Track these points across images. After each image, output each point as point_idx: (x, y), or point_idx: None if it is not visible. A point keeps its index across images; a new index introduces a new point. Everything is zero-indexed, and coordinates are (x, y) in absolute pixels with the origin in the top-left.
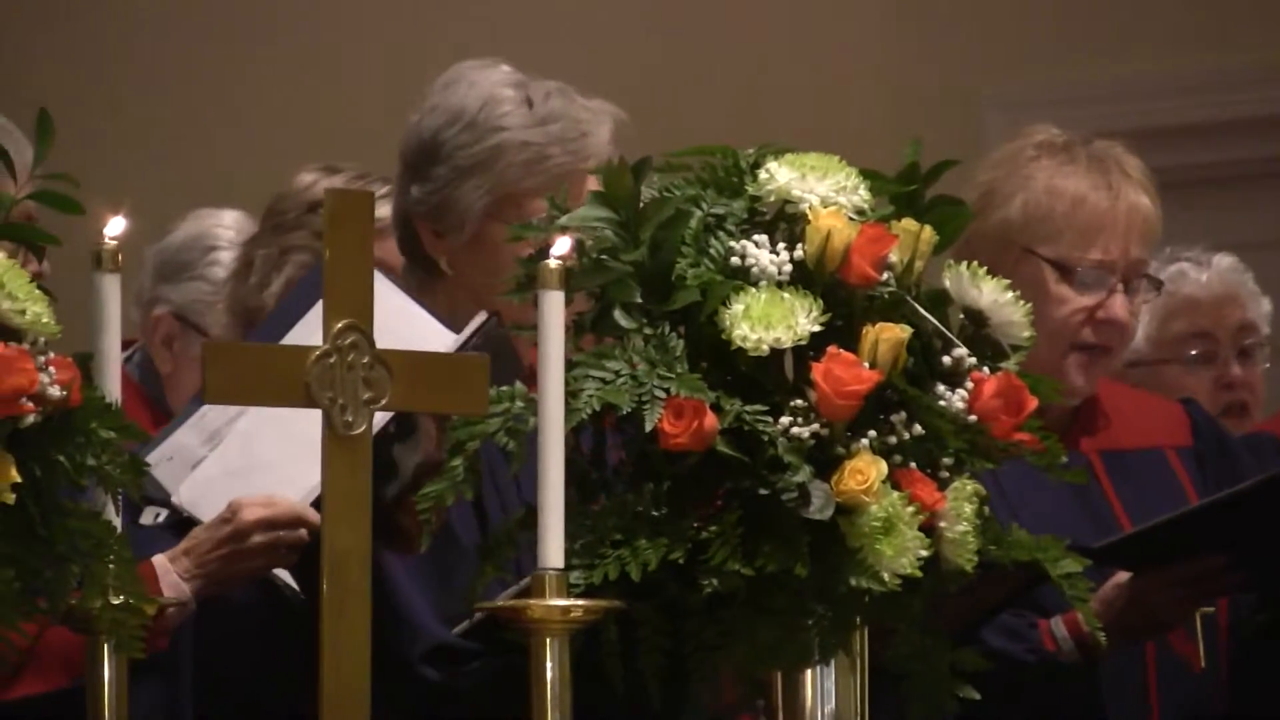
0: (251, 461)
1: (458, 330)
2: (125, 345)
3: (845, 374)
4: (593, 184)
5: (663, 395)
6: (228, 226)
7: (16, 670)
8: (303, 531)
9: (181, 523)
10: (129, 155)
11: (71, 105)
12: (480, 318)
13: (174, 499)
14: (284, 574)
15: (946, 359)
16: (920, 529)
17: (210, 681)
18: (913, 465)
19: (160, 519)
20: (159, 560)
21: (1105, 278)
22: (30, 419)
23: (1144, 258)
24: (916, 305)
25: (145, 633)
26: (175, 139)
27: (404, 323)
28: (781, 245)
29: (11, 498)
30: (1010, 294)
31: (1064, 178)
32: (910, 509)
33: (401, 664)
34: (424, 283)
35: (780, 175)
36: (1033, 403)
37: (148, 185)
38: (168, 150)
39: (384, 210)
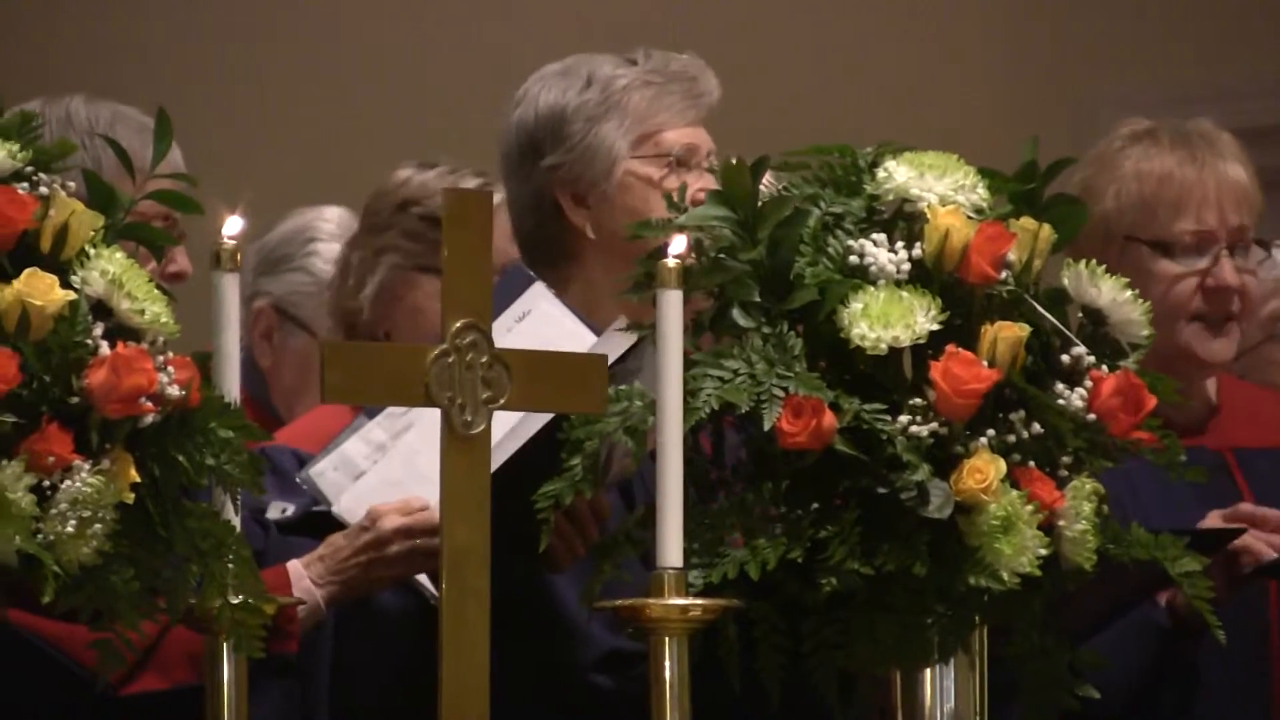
0: (412, 473)
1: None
2: None
3: (964, 372)
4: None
5: (781, 394)
6: (328, 220)
7: (138, 665)
8: (431, 542)
9: (311, 517)
10: (240, 156)
11: (184, 104)
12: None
13: (334, 509)
14: (423, 578)
15: (1065, 357)
16: (1039, 528)
17: (351, 683)
18: (1031, 464)
19: (287, 513)
20: (293, 565)
21: (1207, 246)
22: (149, 418)
23: (1244, 224)
24: (1035, 304)
25: (271, 635)
26: (287, 139)
27: (562, 336)
28: (900, 244)
29: (131, 497)
30: (1129, 292)
31: (1149, 160)
32: (1029, 508)
33: (572, 672)
34: (559, 273)
35: (898, 174)
36: (1152, 401)
37: (256, 187)
38: (277, 151)
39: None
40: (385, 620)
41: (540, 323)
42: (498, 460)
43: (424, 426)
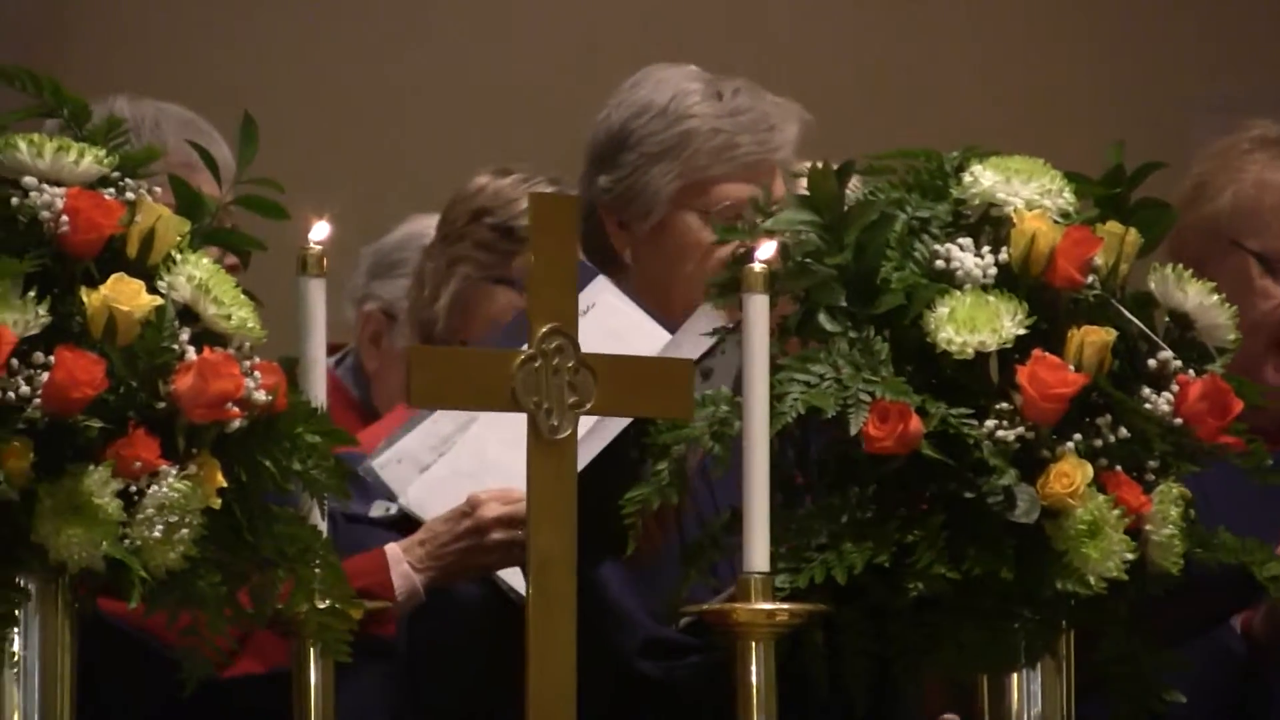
0: (483, 464)
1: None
2: (336, 349)
3: (1050, 377)
4: (779, 176)
5: (868, 399)
6: None
7: (235, 650)
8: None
9: (406, 521)
10: (329, 160)
11: (265, 108)
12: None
13: (401, 500)
14: (510, 577)
15: (1152, 362)
16: (1126, 532)
17: (432, 679)
18: (1118, 468)
19: (392, 511)
20: (391, 549)
21: None
22: (236, 424)
23: None
24: (1121, 308)
25: (368, 617)
26: (369, 143)
27: (628, 327)
28: (986, 248)
29: (218, 502)
30: (1216, 296)
31: (1274, 171)
32: (1116, 512)
33: (617, 658)
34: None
35: (985, 178)
36: (1239, 405)
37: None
38: (362, 155)
39: None
40: (462, 612)
41: (605, 315)
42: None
43: (489, 417)
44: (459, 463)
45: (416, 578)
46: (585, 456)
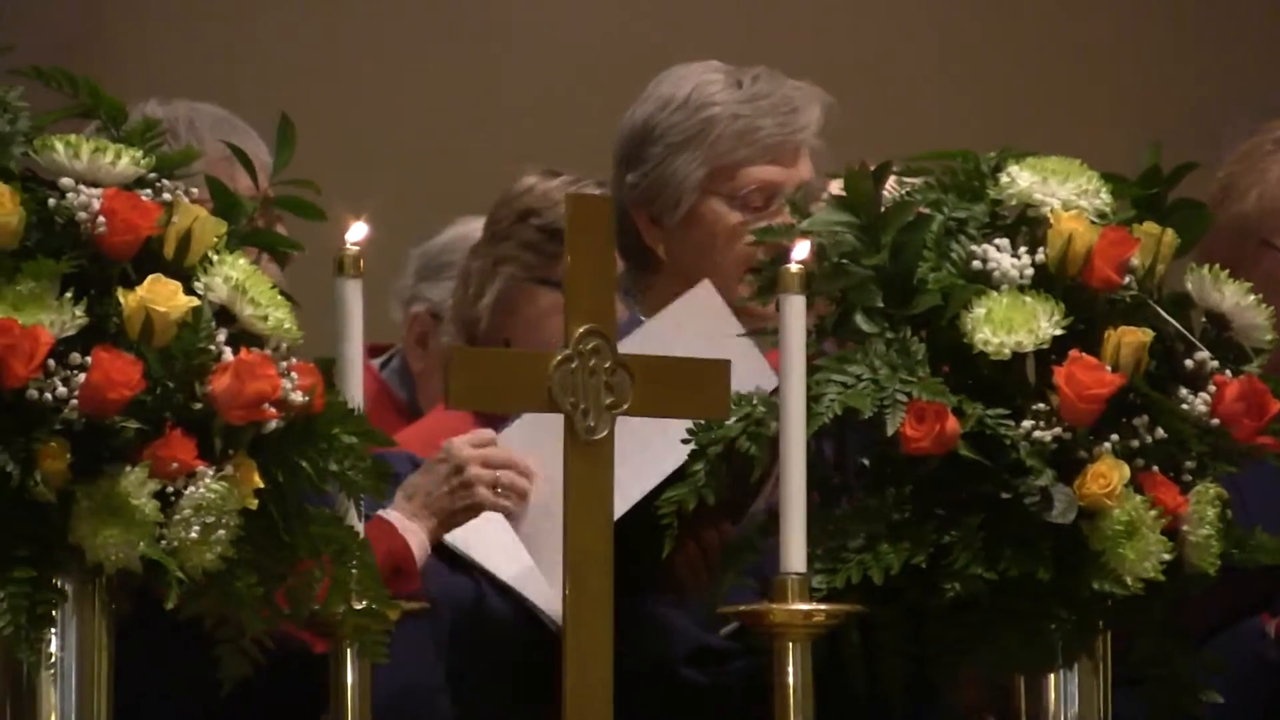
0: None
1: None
2: (383, 350)
3: (1087, 377)
4: (804, 158)
5: (904, 399)
6: None
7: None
8: (513, 476)
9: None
10: (368, 160)
11: (310, 109)
12: None
13: (445, 538)
14: (547, 607)
15: (1189, 362)
16: (1163, 532)
17: (461, 693)
18: (1155, 469)
19: None
20: (391, 515)
21: None
22: (273, 424)
23: None
24: (1158, 309)
25: (392, 578)
26: (421, 143)
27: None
28: (1023, 249)
29: (254, 503)
30: (1252, 296)
31: None
32: (1153, 513)
33: (663, 667)
34: (640, 280)
35: (1022, 179)
36: (1275, 406)
37: (389, 194)
38: (413, 156)
39: None
40: (497, 633)
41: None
42: (628, 501)
43: (525, 429)
44: None
45: (421, 531)
46: (649, 483)
